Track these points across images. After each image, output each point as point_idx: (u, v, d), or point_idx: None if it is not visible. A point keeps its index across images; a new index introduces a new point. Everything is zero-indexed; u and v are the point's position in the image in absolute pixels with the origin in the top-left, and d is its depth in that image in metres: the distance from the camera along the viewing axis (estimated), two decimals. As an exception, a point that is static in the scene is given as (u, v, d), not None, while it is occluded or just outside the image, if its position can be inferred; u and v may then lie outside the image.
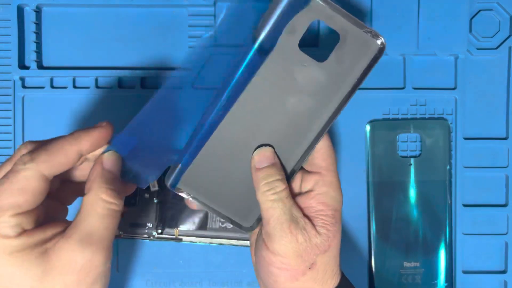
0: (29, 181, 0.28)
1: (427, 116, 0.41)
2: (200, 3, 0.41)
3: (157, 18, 0.42)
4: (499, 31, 0.42)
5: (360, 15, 0.41)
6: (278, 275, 0.30)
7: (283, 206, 0.30)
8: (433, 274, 0.41)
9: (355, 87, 0.30)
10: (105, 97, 0.41)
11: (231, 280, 0.42)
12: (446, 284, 0.41)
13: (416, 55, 0.41)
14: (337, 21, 0.29)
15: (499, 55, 0.42)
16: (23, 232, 0.28)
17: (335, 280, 0.32)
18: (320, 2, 0.29)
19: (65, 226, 0.30)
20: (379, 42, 0.29)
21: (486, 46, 0.42)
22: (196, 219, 0.41)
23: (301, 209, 0.31)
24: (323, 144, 0.32)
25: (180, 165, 0.32)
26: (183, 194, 0.33)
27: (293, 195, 0.32)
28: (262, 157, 0.31)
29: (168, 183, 0.32)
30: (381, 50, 0.29)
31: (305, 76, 0.30)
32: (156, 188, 0.41)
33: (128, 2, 0.41)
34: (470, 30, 0.42)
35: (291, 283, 0.30)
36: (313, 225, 0.31)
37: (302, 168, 0.33)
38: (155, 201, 0.41)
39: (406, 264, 0.41)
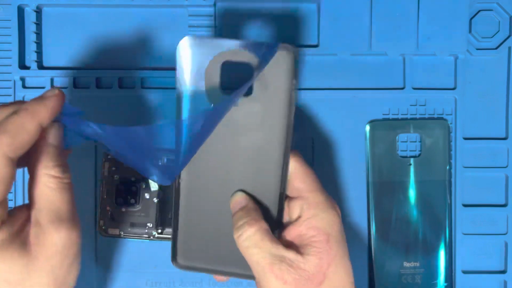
0: None
1: (426, 116, 0.42)
2: (200, 3, 0.41)
3: (157, 18, 0.42)
4: (498, 31, 0.42)
5: (360, 15, 0.41)
6: None
7: (259, 250, 0.28)
8: (433, 274, 0.41)
9: (291, 102, 0.29)
10: (105, 97, 0.41)
11: (231, 280, 0.42)
12: (446, 284, 0.41)
13: (415, 55, 0.41)
14: (241, 55, 0.28)
15: (499, 55, 0.42)
16: (1, 224, 0.27)
17: None
18: (222, 46, 0.28)
19: (26, 210, 0.29)
20: (289, 51, 0.28)
21: (485, 46, 0.42)
22: (196, 219, 0.41)
23: (290, 241, 0.30)
24: (296, 166, 0.30)
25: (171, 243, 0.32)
26: (190, 270, 0.32)
27: (284, 227, 0.30)
28: (234, 204, 0.30)
29: (174, 264, 0.32)
30: (293, 57, 0.28)
31: (242, 114, 0.29)
32: (156, 188, 0.41)
33: (128, 2, 0.41)
34: (470, 30, 0.42)
35: None
36: (303, 256, 0.29)
37: (287, 197, 0.31)
38: (155, 201, 0.41)
39: (406, 264, 0.41)
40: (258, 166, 0.30)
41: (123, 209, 0.41)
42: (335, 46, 0.41)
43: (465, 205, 0.42)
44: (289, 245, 0.29)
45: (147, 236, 0.41)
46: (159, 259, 0.42)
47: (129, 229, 0.41)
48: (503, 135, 0.42)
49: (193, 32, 0.42)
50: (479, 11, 0.42)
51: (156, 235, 0.41)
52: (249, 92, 0.28)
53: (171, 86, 0.42)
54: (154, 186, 0.40)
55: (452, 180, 0.42)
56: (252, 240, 0.29)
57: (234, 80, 0.30)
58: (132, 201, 0.40)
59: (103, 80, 0.42)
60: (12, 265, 0.27)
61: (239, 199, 0.30)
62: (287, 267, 0.28)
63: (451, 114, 0.42)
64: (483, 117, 0.42)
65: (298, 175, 0.30)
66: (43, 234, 0.28)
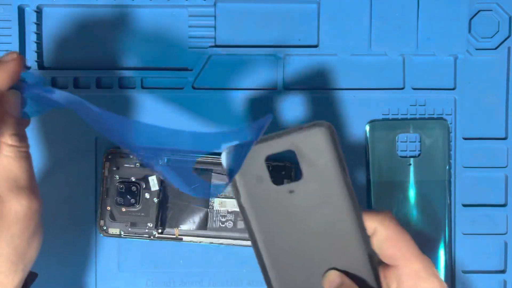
0: None
1: (426, 116, 0.42)
2: (200, 3, 0.41)
3: (157, 19, 0.42)
4: (498, 31, 0.42)
5: (360, 15, 0.41)
6: None
7: None
8: (433, 274, 0.41)
9: (343, 170, 0.28)
10: (105, 97, 0.41)
11: (231, 280, 0.42)
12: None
13: (415, 55, 0.41)
14: (281, 143, 0.28)
15: (499, 55, 0.42)
16: None
17: None
18: (261, 145, 0.28)
19: None
20: (323, 127, 0.28)
21: (485, 47, 0.42)
22: (197, 218, 0.41)
23: None
24: (389, 232, 0.27)
25: None
26: None
27: None
28: (330, 283, 0.27)
29: None
30: (331, 131, 0.28)
31: (301, 198, 0.28)
32: (157, 188, 0.41)
33: (129, 2, 0.41)
34: (470, 31, 0.42)
35: None
36: None
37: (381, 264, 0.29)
38: (156, 200, 0.41)
39: (405, 263, 0.41)
40: (336, 241, 0.28)
41: (123, 209, 0.41)
42: (335, 46, 0.41)
43: (464, 205, 0.42)
44: None
45: (147, 236, 0.41)
46: (160, 259, 0.42)
47: (129, 229, 0.41)
48: (503, 135, 0.42)
49: (193, 32, 0.42)
50: (478, 11, 0.42)
51: (156, 235, 0.41)
52: (298, 177, 0.28)
53: (171, 86, 0.42)
54: (154, 186, 0.41)
55: (452, 180, 0.42)
56: None
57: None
58: (132, 201, 0.40)
59: (103, 80, 0.42)
60: None
61: (334, 278, 0.27)
62: None
63: (450, 114, 0.42)
64: (483, 117, 0.42)
65: (392, 241, 0.27)
66: (2, 203, 0.28)
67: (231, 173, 0.27)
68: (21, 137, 0.29)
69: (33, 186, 0.29)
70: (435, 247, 0.41)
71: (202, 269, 0.42)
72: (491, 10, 0.42)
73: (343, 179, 0.28)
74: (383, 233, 0.26)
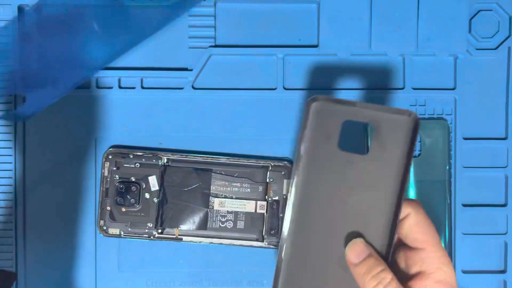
0: None
1: (426, 116, 0.42)
2: (200, 3, 0.41)
3: (157, 19, 0.42)
4: (498, 31, 0.42)
5: (360, 15, 0.41)
6: None
7: None
8: (433, 274, 0.41)
9: (408, 164, 0.29)
10: (105, 97, 0.41)
11: (231, 279, 0.42)
12: (445, 284, 0.41)
13: (415, 56, 0.41)
14: (366, 114, 0.29)
15: (499, 55, 0.42)
16: None
17: None
18: (347, 107, 0.29)
19: None
20: (411, 117, 0.29)
21: (485, 47, 0.42)
22: (197, 218, 0.41)
23: None
24: (420, 218, 0.29)
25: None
26: None
27: (401, 280, 0.28)
28: (357, 250, 0.28)
29: None
30: (416, 123, 0.29)
31: (357, 172, 0.29)
32: (157, 188, 0.41)
33: (128, 2, 0.41)
34: (470, 31, 0.42)
35: None
36: None
37: (405, 247, 0.30)
38: (156, 200, 0.41)
39: (405, 263, 0.41)
40: (369, 220, 0.29)
41: (123, 209, 0.41)
42: (335, 46, 0.41)
43: (464, 205, 0.42)
44: None
45: (147, 236, 0.41)
46: (160, 259, 0.42)
47: (129, 229, 0.41)
48: (503, 135, 0.42)
49: (193, 32, 0.42)
50: (478, 11, 0.42)
51: (156, 235, 0.41)
52: (364, 151, 0.29)
53: (171, 86, 0.42)
54: (154, 186, 0.41)
55: (452, 180, 0.42)
56: (393, 287, 0.27)
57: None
58: (132, 201, 0.40)
59: (103, 80, 0.42)
60: None
61: (364, 247, 0.28)
62: None
63: (450, 114, 0.42)
64: (483, 117, 0.42)
65: (422, 227, 0.29)
66: None
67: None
68: None
69: None
70: (435, 247, 0.41)
71: (202, 269, 0.42)
72: (491, 10, 0.42)
73: (404, 170, 0.29)
74: (415, 219, 0.29)
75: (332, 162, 0.29)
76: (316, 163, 0.29)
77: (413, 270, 0.29)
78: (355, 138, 0.41)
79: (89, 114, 0.42)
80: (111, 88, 0.41)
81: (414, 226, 0.29)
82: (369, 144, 0.29)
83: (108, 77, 0.41)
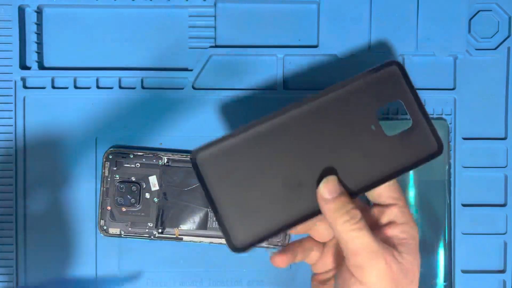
0: None
1: (426, 116, 0.42)
2: (200, 3, 0.41)
3: (157, 19, 0.42)
4: (498, 31, 0.42)
5: (359, 15, 0.41)
6: None
7: (368, 233, 0.28)
8: (432, 274, 0.41)
9: (401, 172, 0.31)
10: (105, 98, 0.41)
11: (231, 279, 0.42)
12: (445, 284, 0.41)
13: (415, 56, 0.41)
14: (415, 110, 0.31)
15: (498, 55, 0.42)
16: None
17: None
18: (408, 90, 0.31)
19: None
20: (438, 145, 0.31)
21: (485, 47, 0.42)
22: (197, 218, 0.41)
23: (382, 239, 0.30)
24: (394, 180, 0.31)
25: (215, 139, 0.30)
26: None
27: (371, 227, 0.30)
28: (331, 187, 0.29)
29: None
30: (438, 153, 0.31)
31: (366, 136, 0.31)
32: (157, 187, 0.41)
33: (129, 3, 0.41)
34: (469, 31, 0.42)
35: None
36: (398, 251, 0.30)
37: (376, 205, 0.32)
38: (156, 200, 0.41)
39: (405, 263, 0.41)
40: (345, 160, 0.31)
41: (124, 209, 0.41)
42: (335, 46, 0.41)
43: (464, 205, 0.42)
44: (383, 241, 0.30)
45: (147, 235, 0.41)
46: (160, 259, 0.42)
47: (130, 228, 0.41)
48: (502, 135, 0.42)
49: (193, 32, 0.42)
50: (478, 11, 0.42)
51: (157, 235, 0.41)
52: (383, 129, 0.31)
53: (171, 86, 0.42)
54: (154, 186, 0.41)
55: (452, 180, 0.42)
56: (362, 224, 0.29)
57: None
58: (133, 200, 0.40)
59: (103, 80, 0.42)
60: None
61: (337, 185, 0.30)
62: (393, 256, 0.29)
63: (450, 114, 0.42)
64: (482, 117, 0.42)
65: (394, 187, 0.31)
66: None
67: None
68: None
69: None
70: (435, 247, 0.41)
71: (202, 269, 0.42)
72: (490, 10, 0.42)
73: (394, 172, 0.31)
74: (390, 182, 0.31)
75: (363, 114, 0.31)
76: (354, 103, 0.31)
77: (384, 220, 0.31)
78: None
79: (89, 114, 0.42)
80: (111, 88, 0.41)
81: (390, 185, 0.31)
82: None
83: (108, 77, 0.41)
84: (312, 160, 0.30)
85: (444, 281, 0.41)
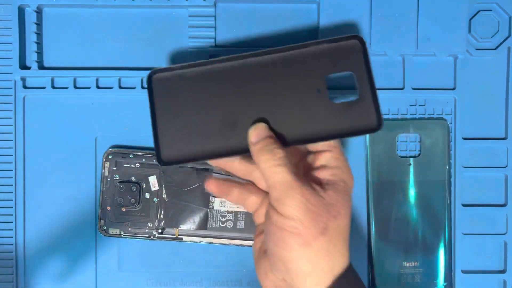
0: None
1: (426, 116, 0.42)
2: (200, 3, 0.41)
3: (157, 19, 0.42)
4: (498, 31, 0.42)
5: (359, 15, 0.41)
6: (290, 240, 0.30)
7: (288, 169, 0.30)
8: (433, 274, 0.41)
9: (334, 136, 0.33)
10: (105, 98, 0.41)
11: (231, 279, 0.42)
12: (445, 284, 0.41)
13: (415, 56, 0.41)
14: (365, 85, 0.34)
15: (498, 55, 0.42)
16: None
17: (344, 261, 0.32)
18: (363, 65, 0.34)
19: None
20: (377, 122, 0.33)
21: (485, 47, 0.42)
22: (197, 218, 0.41)
23: (311, 179, 0.32)
24: None
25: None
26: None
27: (305, 170, 0.33)
28: (258, 132, 0.32)
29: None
30: (375, 129, 0.33)
31: (310, 96, 0.33)
32: (157, 187, 0.41)
33: (129, 3, 0.41)
34: (469, 31, 0.42)
35: (304, 249, 0.30)
36: (323, 188, 0.31)
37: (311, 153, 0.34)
38: (156, 200, 0.41)
39: (405, 263, 0.41)
40: (276, 109, 0.33)
41: (123, 209, 0.41)
42: (335, 46, 0.41)
43: (464, 205, 0.42)
44: (313, 181, 0.32)
45: (147, 235, 0.41)
46: (160, 259, 0.42)
47: (130, 229, 0.41)
48: (503, 135, 0.42)
49: (193, 32, 0.42)
50: (478, 11, 0.42)
51: (157, 235, 0.41)
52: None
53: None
54: (154, 186, 0.41)
55: (452, 180, 0.42)
56: (282, 161, 0.31)
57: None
58: (133, 201, 0.40)
59: (103, 80, 0.42)
60: None
61: (265, 129, 0.32)
62: (311, 190, 0.30)
63: (450, 114, 0.42)
64: (483, 117, 0.42)
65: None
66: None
67: None
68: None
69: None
70: (435, 247, 0.41)
71: (202, 269, 0.42)
72: (490, 10, 0.42)
73: (328, 135, 0.33)
74: None
75: (313, 76, 0.34)
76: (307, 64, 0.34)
77: (317, 164, 0.32)
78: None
79: (89, 114, 0.42)
80: (111, 88, 0.41)
81: None
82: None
83: (108, 77, 0.41)
84: (253, 105, 0.33)
85: (444, 281, 0.41)
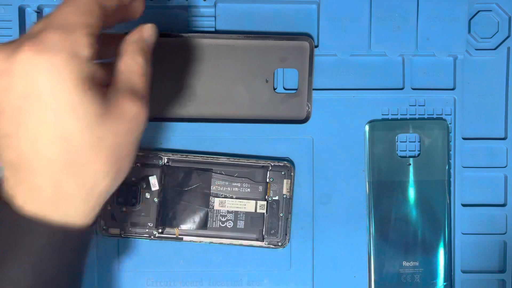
0: (90, 3, 0.28)
1: (426, 116, 0.42)
2: (200, 4, 0.41)
3: (157, 19, 0.42)
4: (498, 31, 0.42)
5: (359, 15, 0.41)
6: None
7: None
8: (432, 274, 0.41)
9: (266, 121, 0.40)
10: (105, 98, 0.41)
11: (231, 279, 0.42)
12: (445, 284, 0.41)
13: (415, 56, 0.42)
14: (304, 83, 0.40)
15: (498, 55, 0.42)
16: (94, 56, 0.27)
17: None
18: (307, 65, 0.40)
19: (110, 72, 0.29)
20: (304, 117, 0.40)
21: (485, 47, 0.42)
22: (197, 218, 0.41)
23: None
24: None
25: None
26: None
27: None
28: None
29: None
30: (301, 122, 0.40)
31: (257, 82, 0.40)
32: (157, 187, 0.41)
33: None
34: (469, 31, 0.42)
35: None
36: None
37: None
38: (156, 200, 0.41)
39: (405, 263, 0.41)
40: None
41: (124, 209, 0.41)
42: (335, 46, 0.41)
43: (464, 205, 0.42)
44: None
45: (147, 235, 0.41)
46: (160, 259, 0.42)
47: (130, 228, 0.41)
48: (502, 135, 0.42)
49: (193, 32, 0.42)
50: (478, 11, 0.42)
51: (157, 235, 0.41)
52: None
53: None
54: (154, 185, 0.41)
55: (451, 180, 0.42)
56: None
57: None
58: (133, 200, 0.40)
59: (104, 80, 0.42)
60: (90, 107, 0.26)
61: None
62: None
63: (450, 114, 0.42)
64: (482, 117, 0.42)
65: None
66: (121, 98, 0.28)
67: None
68: (148, 61, 0.31)
69: (146, 100, 0.30)
70: (434, 247, 0.41)
71: (202, 269, 0.42)
72: (490, 11, 0.42)
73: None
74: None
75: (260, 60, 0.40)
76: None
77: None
78: (355, 138, 0.41)
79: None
80: (111, 88, 0.41)
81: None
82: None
83: (108, 77, 0.41)
84: (210, 81, 0.39)
85: (444, 281, 0.41)
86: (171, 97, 0.39)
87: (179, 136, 0.42)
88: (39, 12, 0.42)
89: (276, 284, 0.42)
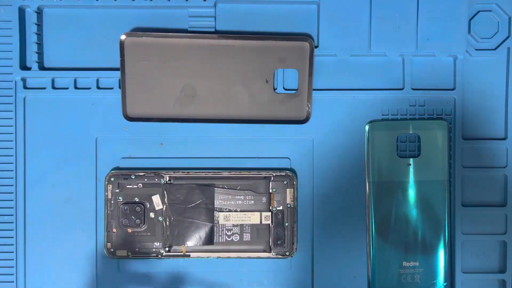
0: None
1: (426, 116, 0.42)
2: (200, 4, 0.41)
3: (157, 20, 0.42)
4: (498, 32, 0.42)
5: (359, 16, 0.41)
6: None
7: None
8: (432, 274, 0.41)
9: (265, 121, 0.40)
10: (105, 98, 0.41)
11: (231, 280, 0.42)
12: (445, 284, 0.41)
13: (415, 56, 0.42)
14: (304, 83, 0.40)
15: (498, 55, 0.42)
16: None
17: None
18: (307, 65, 0.40)
19: None
20: (305, 117, 0.40)
21: (485, 47, 0.42)
22: (203, 234, 0.41)
23: None
24: None
25: None
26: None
27: None
28: None
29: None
30: (302, 122, 0.40)
31: (257, 82, 0.39)
32: (161, 206, 0.40)
33: (129, 3, 0.41)
34: (469, 31, 0.42)
35: None
36: None
37: None
38: (160, 219, 0.41)
39: (405, 263, 0.41)
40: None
41: (129, 230, 0.40)
42: (335, 47, 0.41)
43: (464, 205, 0.42)
44: None
45: (155, 255, 0.41)
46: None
47: (137, 249, 0.41)
48: (502, 136, 0.42)
49: (194, 33, 0.42)
50: (478, 12, 0.42)
51: (164, 254, 0.41)
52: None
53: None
54: (158, 204, 0.40)
55: (452, 180, 0.42)
56: None
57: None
58: (138, 221, 0.40)
59: (103, 80, 0.42)
60: None
61: None
62: None
63: (450, 115, 0.42)
64: (482, 118, 0.42)
65: None
66: None
67: None
68: None
69: None
70: (434, 247, 0.41)
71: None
72: (490, 11, 0.42)
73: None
74: None
75: (262, 64, 0.40)
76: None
77: None
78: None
79: (89, 115, 0.42)
80: (111, 88, 0.41)
81: None
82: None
83: (108, 77, 0.41)
84: (210, 81, 0.39)
85: (444, 281, 0.41)
86: (171, 97, 0.40)
87: (179, 136, 0.42)
88: (39, 12, 0.42)
89: (276, 285, 0.42)
